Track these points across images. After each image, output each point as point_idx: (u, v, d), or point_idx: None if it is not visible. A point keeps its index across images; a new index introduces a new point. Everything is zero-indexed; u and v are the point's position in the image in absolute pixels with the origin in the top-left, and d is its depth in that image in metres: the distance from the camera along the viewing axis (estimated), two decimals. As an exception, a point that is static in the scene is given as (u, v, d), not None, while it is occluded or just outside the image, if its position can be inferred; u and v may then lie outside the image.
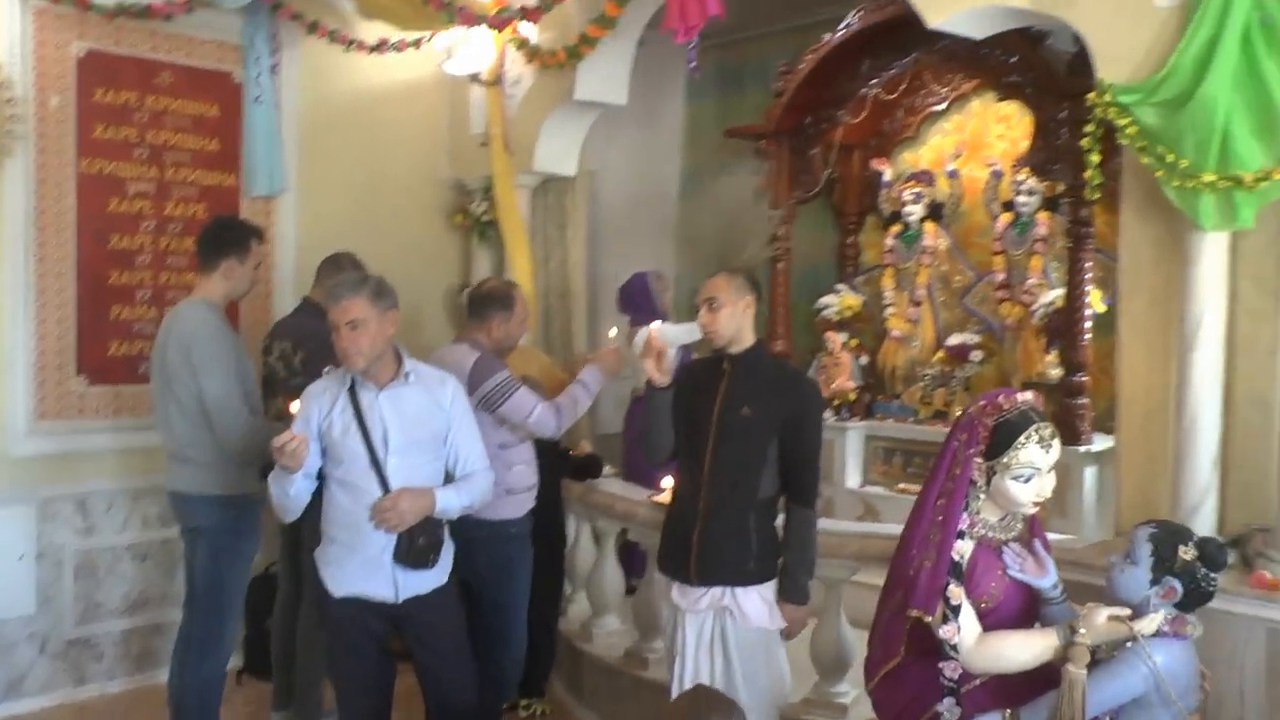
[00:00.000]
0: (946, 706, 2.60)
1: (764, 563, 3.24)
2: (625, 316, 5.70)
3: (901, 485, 5.86)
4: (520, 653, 4.00)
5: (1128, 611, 2.48)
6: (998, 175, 5.86)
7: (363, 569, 3.20)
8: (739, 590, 3.22)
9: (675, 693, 3.36)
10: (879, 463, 6.10)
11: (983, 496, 2.67)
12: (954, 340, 5.91)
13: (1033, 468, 2.60)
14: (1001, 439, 2.61)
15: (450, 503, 3.24)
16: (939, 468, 2.75)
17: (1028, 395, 2.74)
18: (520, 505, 3.95)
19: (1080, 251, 5.00)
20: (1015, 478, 2.60)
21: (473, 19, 5.09)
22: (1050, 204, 5.61)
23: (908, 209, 6.17)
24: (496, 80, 5.59)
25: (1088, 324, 4.94)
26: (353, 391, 3.21)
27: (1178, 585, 2.46)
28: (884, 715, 2.86)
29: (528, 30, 5.34)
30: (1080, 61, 4.84)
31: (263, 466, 3.97)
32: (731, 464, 3.22)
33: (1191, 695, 2.48)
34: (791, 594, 3.25)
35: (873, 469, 6.12)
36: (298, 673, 4.30)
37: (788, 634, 3.30)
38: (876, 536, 3.76)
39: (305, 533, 4.36)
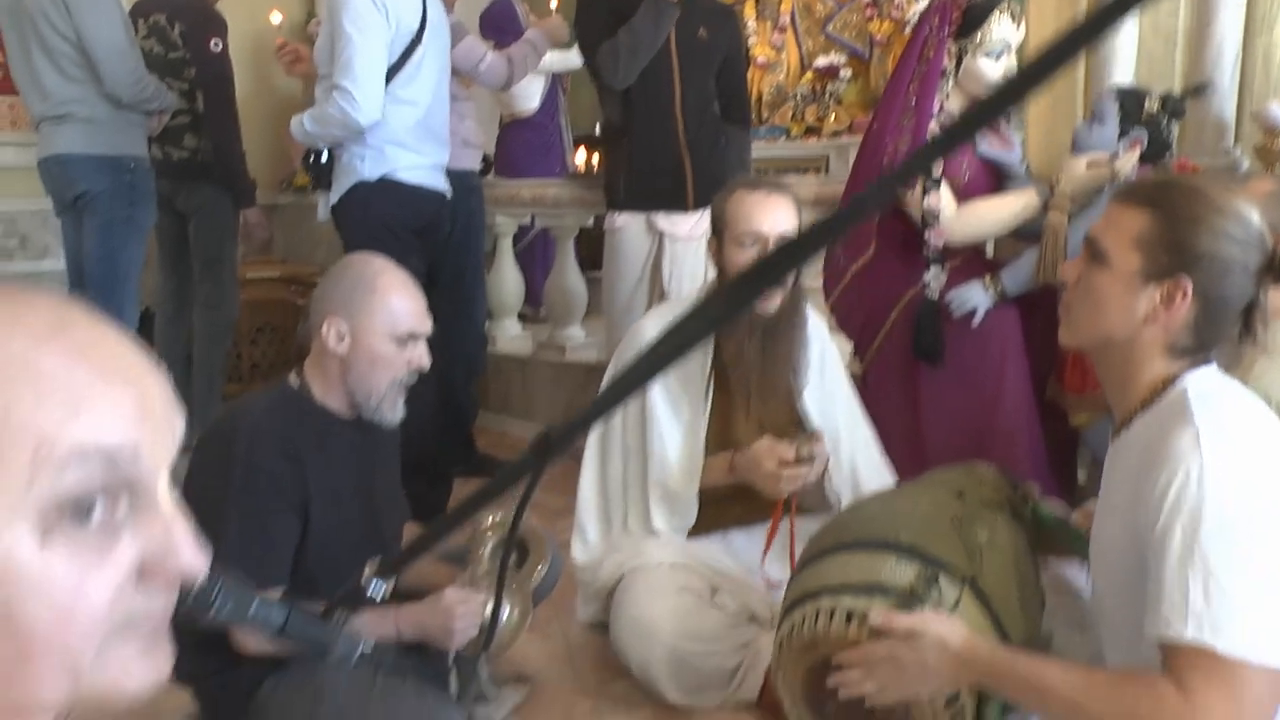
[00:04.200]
0: (932, 275, 2.71)
1: None
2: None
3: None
4: (482, 327, 3.82)
5: (1106, 155, 2.62)
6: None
7: None
8: None
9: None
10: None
11: (950, 84, 2.75)
12: (821, 61, 5.98)
13: (1005, 43, 2.69)
14: (974, 18, 2.68)
15: None
16: (909, 55, 2.80)
17: None
18: (475, 159, 3.81)
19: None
20: (988, 54, 2.69)
21: None
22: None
23: (770, -65, 6.09)
24: None
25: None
26: None
27: (1144, 135, 2.62)
28: (852, 318, 2.93)
29: None
30: None
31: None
32: (704, 90, 3.31)
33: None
34: None
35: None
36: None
37: None
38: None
39: (195, 228, 4.01)
